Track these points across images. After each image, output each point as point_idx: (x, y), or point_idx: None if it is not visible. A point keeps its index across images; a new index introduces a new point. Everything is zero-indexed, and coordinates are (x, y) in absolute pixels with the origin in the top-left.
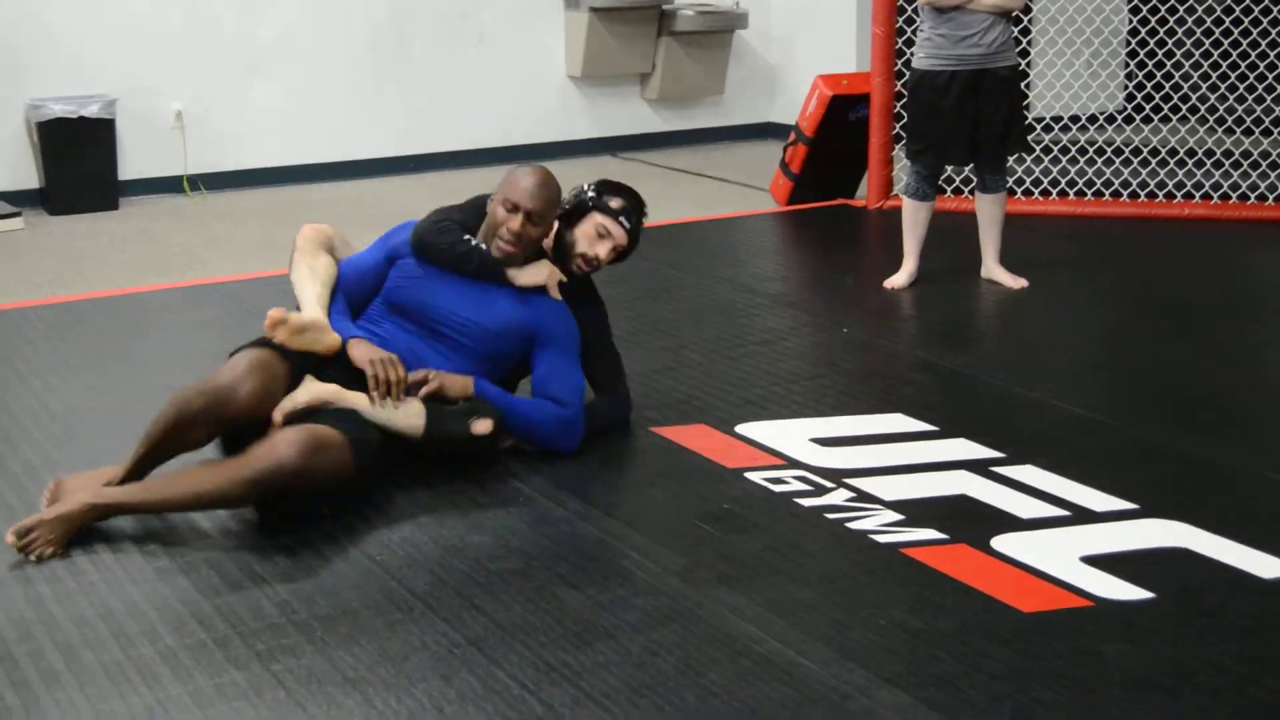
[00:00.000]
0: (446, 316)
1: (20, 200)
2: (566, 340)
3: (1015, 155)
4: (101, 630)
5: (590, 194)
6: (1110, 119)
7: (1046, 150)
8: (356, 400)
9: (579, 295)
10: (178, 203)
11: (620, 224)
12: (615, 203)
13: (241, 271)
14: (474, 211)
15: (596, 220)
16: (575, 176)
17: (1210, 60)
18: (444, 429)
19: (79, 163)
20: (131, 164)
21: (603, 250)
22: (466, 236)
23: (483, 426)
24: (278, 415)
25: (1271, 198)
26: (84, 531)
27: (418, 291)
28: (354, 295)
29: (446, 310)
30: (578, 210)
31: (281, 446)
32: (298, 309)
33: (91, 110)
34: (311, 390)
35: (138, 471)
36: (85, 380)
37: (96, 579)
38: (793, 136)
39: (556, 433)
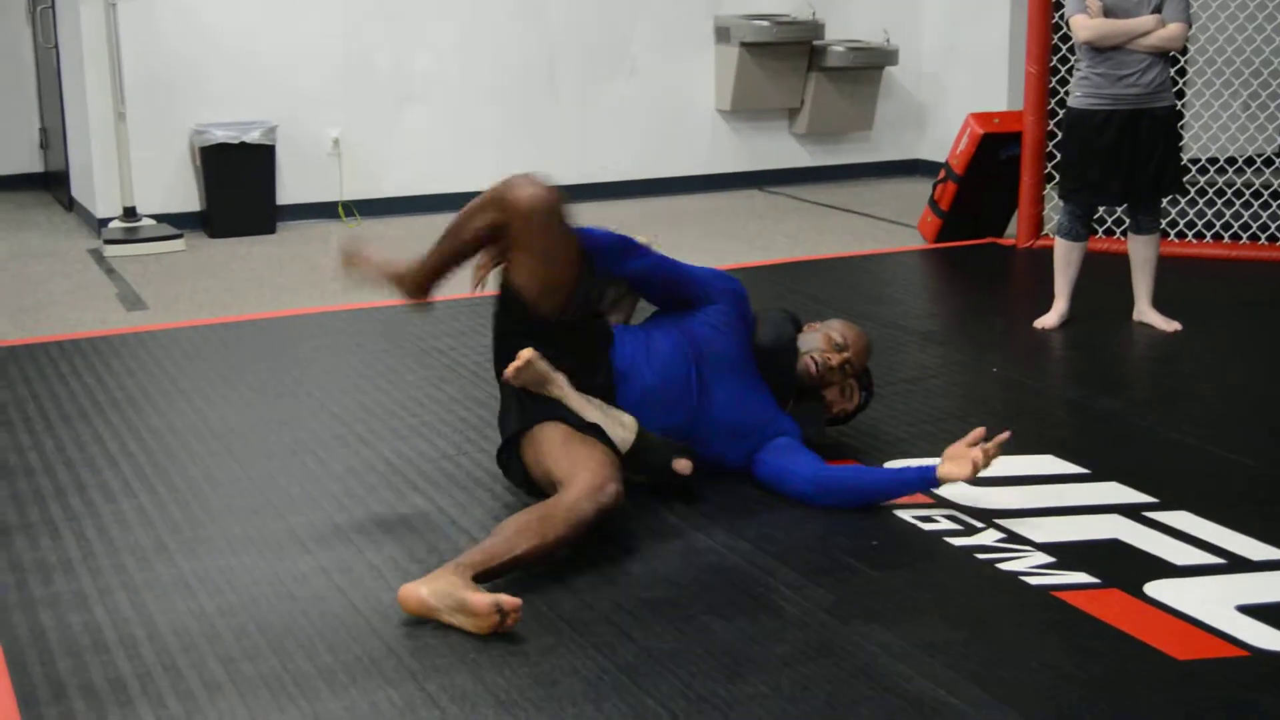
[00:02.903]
0: (719, 380)
1: (182, 223)
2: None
3: (1169, 196)
4: (261, 643)
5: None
6: (1268, 161)
7: (1201, 192)
8: (574, 400)
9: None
10: (333, 228)
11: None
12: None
13: (394, 297)
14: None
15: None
16: (724, 209)
17: None
18: (647, 453)
19: (239, 187)
20: (289, 189)
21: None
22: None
23: (683, 466)
24: (510, 373)
25: None
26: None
27: (718, 340)
28: (650, 287)
29: (724, 377)
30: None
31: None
32: None
33: (253, 136)
34: (540, 372)
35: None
36: (244, 398)
37: (258, 594)
38: (942, 174)
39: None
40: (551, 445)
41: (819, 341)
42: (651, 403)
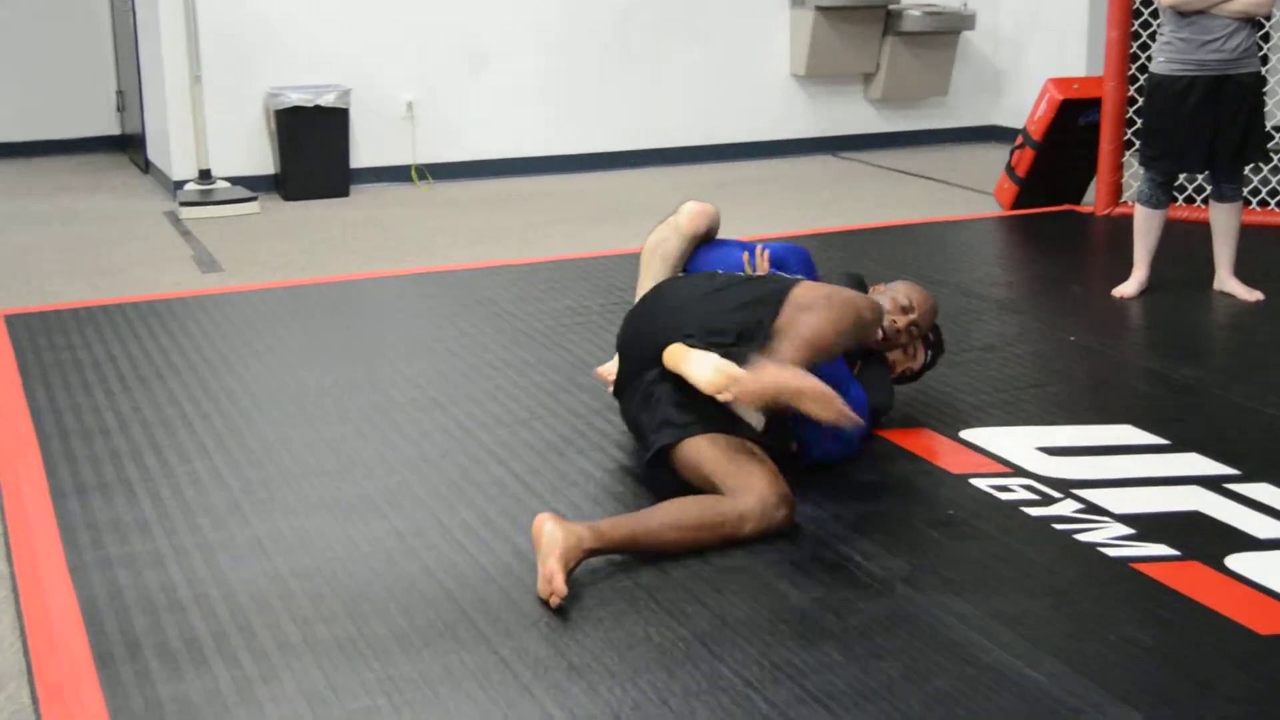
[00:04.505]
0: None
1: (257, 185)
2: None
3: (1253, 164)
4: (336, 606)
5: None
6: None
7: None
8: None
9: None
10: (406, 191)
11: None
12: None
13: (467, 260)
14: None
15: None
16: (797, 175)
17: None
18: (773, 434)
19: (314, 150)
20: (363, 152)
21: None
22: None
23: (795, 446)
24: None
25: None
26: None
27: None
28: None
29: None
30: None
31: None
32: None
33: (327, 99)
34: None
35: None
36: (318, 361)
37: (332, 556)
38: (1020, 140)
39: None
40: (714, 457)
41: (885, 304)
42: None
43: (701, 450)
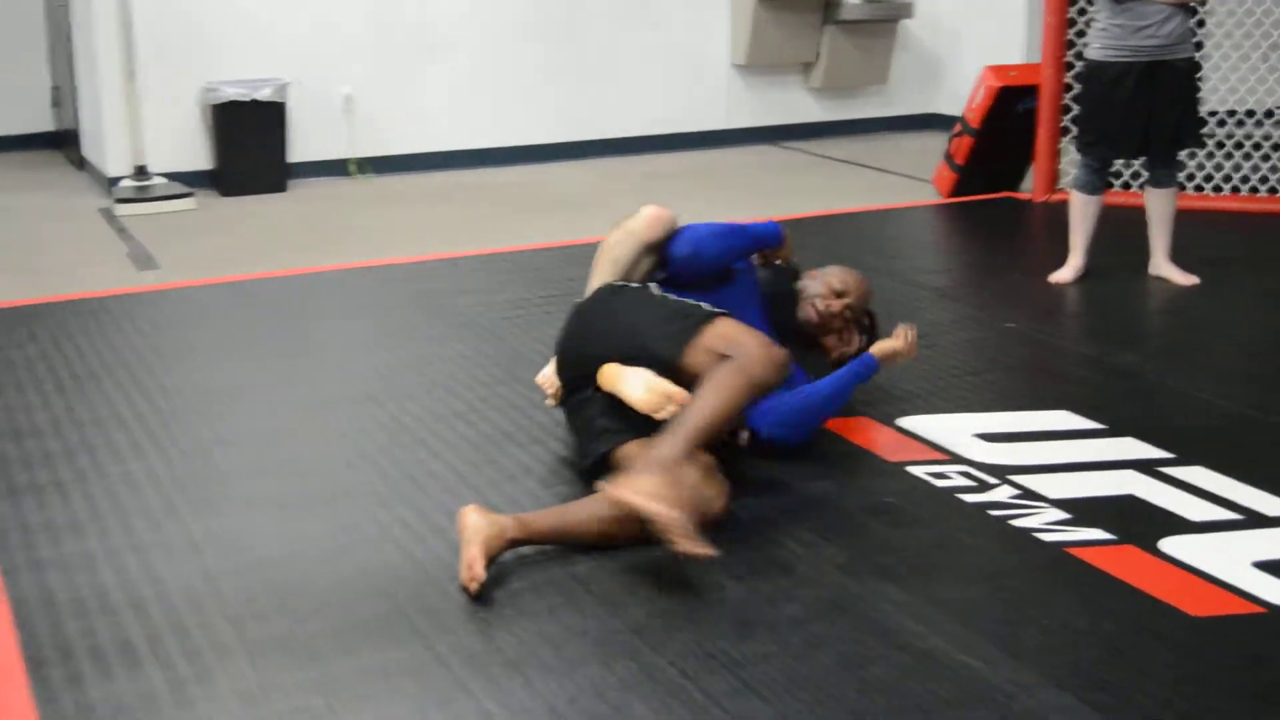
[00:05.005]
0: None
1: (193, 181)
2: None
3: (1187, 150)
4: (271, 605)
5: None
6: None
7: (1220, 145)
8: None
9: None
10: (345, 185)
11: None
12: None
13: (407, 254)
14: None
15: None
16: (738, 164)
17: None
18: None
19: (250, 145)
20: (300, 146)
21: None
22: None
23: (746, 438)
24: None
25: None
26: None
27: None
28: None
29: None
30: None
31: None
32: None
33: (264, 94)
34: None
35: None
36: (255, 358)
37: (267, 555)
38: (958, 128)
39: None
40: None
41: (819, 288)
42: None
43: (638, 451)
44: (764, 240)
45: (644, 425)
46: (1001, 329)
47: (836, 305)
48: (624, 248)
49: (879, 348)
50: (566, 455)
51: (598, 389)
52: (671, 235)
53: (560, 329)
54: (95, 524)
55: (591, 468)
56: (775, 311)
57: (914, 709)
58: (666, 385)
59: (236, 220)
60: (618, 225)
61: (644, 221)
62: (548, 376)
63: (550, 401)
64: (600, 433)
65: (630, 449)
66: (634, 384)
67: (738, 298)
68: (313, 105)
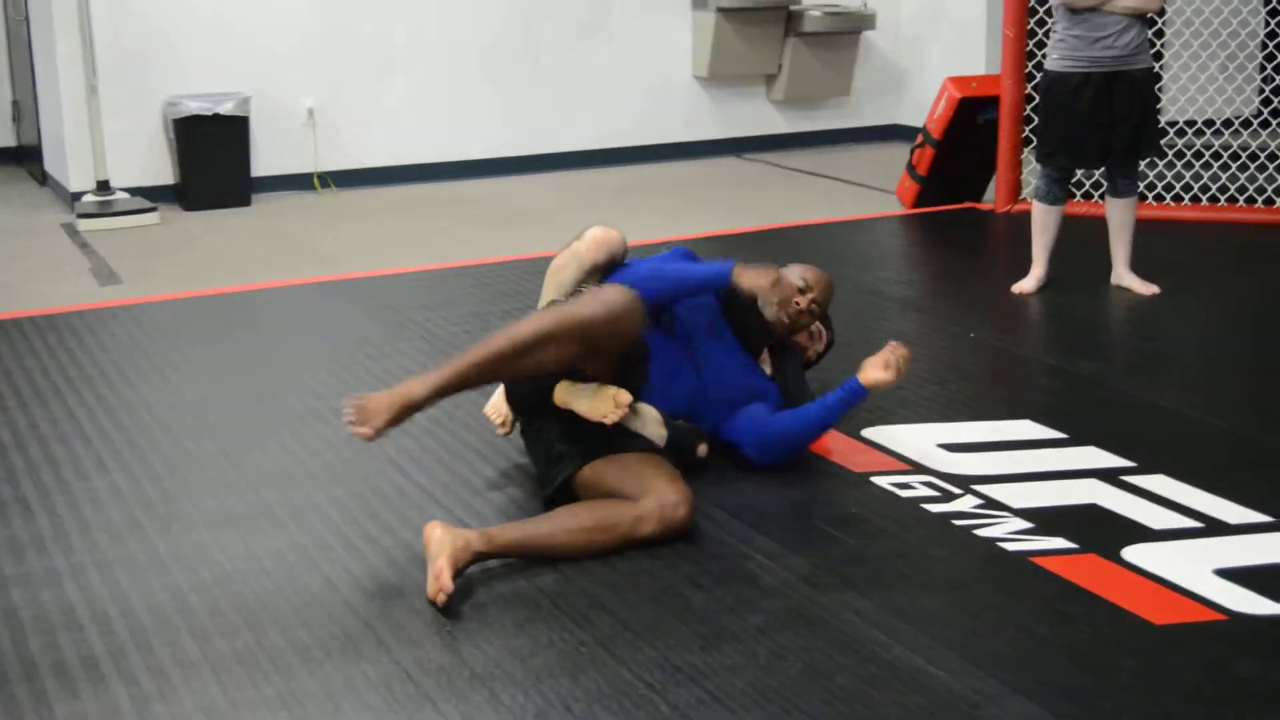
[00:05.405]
0: (706, 355)
1: (156, 196)
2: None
3: (1147, 159)
4: (236, 620)
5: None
6: (1245, 123)
7: (1179, 155)
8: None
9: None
10: (309, 199)
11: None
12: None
13: (372, 268)
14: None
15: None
16: (702, 177)
17: None
18: (678, 443)
19: (213, 159)
20: (264, 161)
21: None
22: None
23: (704, 451)
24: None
25: None
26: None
27: (696, 314)
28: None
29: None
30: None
31: (685, 511)
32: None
33: (226, 108)
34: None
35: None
36: (219, 373)
37: (232, 570)
38: (920, 139)
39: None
40: (613, 473)
41: (785, 290)
42: (659, 391)
43: (600, 470)
44: (709, 284)
45: (602, 446)
46: (965, 339)
47: (804, 301)
48: (569, 271)
49: (868, 376)
50: (531, 469)
51: (553, 411)
52: (616, 260)
53: None
54: (59, 540)
55: (554, 494)
56: (740, 323)
57: (879, 719)
58: (611, 390)
59: (199, 235)
60: (566, 246)
61: (587, 244)
62: (495, 405)
63: (501, 430)
64: (558, 458)
65: (591, 470)
66: (581, 397)
67: (685, 328)
68: (276, 119)
